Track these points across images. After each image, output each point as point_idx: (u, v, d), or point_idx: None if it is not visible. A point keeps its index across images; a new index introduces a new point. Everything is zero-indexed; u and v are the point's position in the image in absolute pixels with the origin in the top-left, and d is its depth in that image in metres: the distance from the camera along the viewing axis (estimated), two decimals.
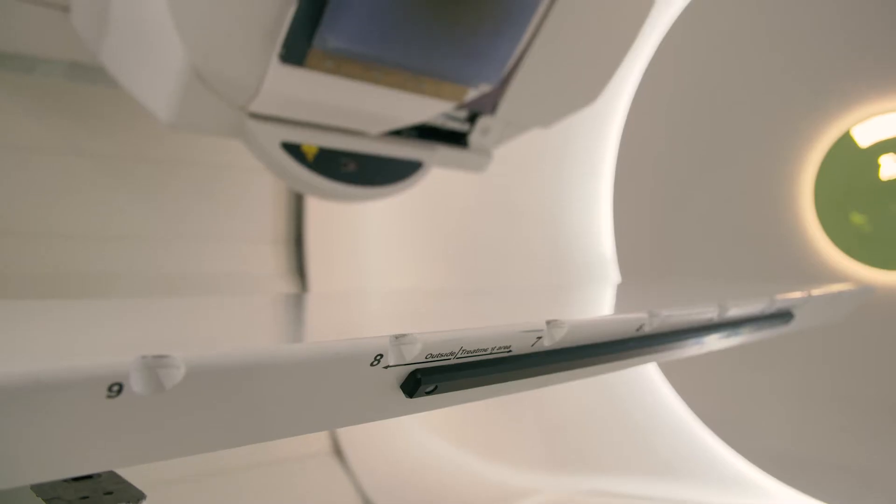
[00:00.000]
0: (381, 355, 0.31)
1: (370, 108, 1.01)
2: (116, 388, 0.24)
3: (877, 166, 1.80)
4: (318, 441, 1.73)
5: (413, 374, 0.33)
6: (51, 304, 0.41)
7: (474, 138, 1.25)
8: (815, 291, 0.69)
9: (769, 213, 1.86)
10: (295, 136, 1.00)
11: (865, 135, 1.80)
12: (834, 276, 1.75)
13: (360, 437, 1.76)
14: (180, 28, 0.81)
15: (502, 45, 1.02)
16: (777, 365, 1.74)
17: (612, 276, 2.01)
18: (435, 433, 1.86)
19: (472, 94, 1.09)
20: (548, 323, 0.38)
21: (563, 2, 1.13)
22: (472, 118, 1.24)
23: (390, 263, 2.09)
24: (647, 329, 0.45)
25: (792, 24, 1.81)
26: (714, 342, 0.58)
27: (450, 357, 0.34)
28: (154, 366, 0.25)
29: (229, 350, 0.27)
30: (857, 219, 1.79)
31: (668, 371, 1.85)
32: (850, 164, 1.80)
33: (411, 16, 0.88)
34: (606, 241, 2.02)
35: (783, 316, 0.65)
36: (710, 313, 0.52)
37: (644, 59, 1.94)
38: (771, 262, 1.85)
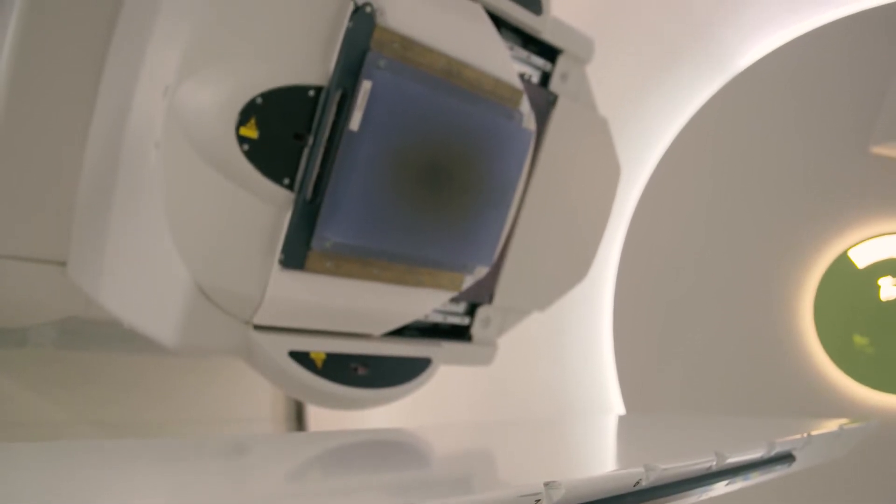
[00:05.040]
0: None
1: (372, 306, 1.02)
2: None
3: (876, 287, 1.82)
4: None
5: None
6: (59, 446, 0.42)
7: (476, 331, 1.27)
8: (815, 432, 0.69)
9: (770, 338, 1.86)
10: (302, 344, 0.98)
11: (862, 256, 1.83)
12: (839, 399, 1.73)
13: None
14: (182, 249, 0.84)
15: (490, 227, 1.07)
16: (787, 492, 1.70)
17: (616, 408, 1.99)
18: None
19: (468, 280, 1.12)
20: (545, 485, 0.39)
21: (536, 183, 1.21)
22: (472, 311, 1.27)
23: None
24: (645, 484, 0.46)
25: (785, 149, 1.89)
26: (717, 489, 0.58)
27: None
28: None
29: None
30: (860, 341, 1.79)
31: None
32: (848, 285, 1.82)
33: (401, 207, 0.93)
34: (609, 374, 2.02)
35: (785, 458, 0.65)
36: (708, 462, 0.53)
37: (633, 200, 2.00)
38: (775, 386, 1.84)
